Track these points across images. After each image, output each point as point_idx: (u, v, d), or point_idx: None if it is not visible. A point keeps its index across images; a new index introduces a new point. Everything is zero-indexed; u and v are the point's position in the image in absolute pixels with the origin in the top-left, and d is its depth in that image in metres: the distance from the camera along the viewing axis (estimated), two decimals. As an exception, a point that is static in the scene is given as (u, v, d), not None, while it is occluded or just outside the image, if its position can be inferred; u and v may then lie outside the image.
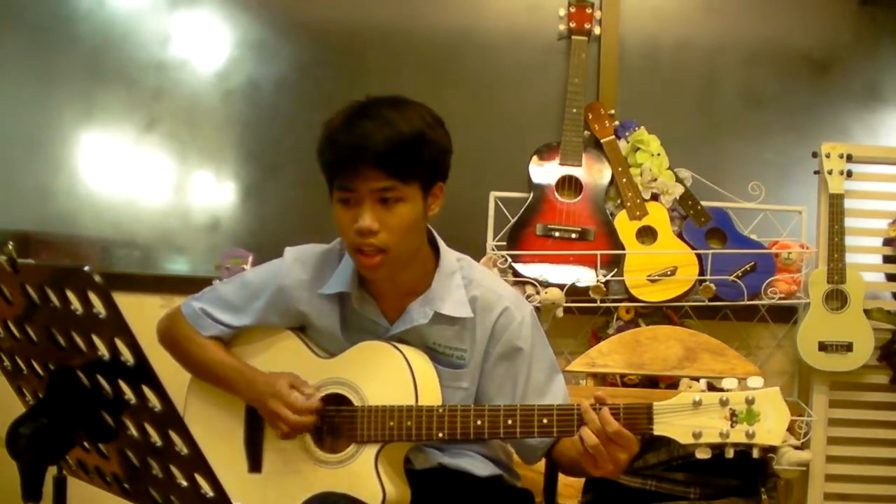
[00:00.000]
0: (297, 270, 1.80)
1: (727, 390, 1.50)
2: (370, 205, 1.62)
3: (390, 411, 1.67)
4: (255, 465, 1.79)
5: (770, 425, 1.48)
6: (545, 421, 1.61)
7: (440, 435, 1.65)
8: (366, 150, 1.59)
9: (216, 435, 1.81)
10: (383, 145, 1.59)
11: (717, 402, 1.49)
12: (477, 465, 1.81)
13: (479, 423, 1.64)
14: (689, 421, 1.50)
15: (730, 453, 1.50)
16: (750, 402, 1.48)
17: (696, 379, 2.51)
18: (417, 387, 1.67)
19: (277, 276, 1.80)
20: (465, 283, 1.76)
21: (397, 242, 1.64)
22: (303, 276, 1.79)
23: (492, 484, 1.81)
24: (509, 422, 1.63)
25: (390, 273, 1.70)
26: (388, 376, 1.69)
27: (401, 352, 1.70)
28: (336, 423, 1.72)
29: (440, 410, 1.66)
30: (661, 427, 1.52)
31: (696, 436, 1.50)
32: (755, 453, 1.50)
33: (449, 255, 1.78)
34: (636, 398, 2.27)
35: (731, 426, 1.48)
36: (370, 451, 1.68)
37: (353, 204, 1.63)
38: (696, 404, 1.50)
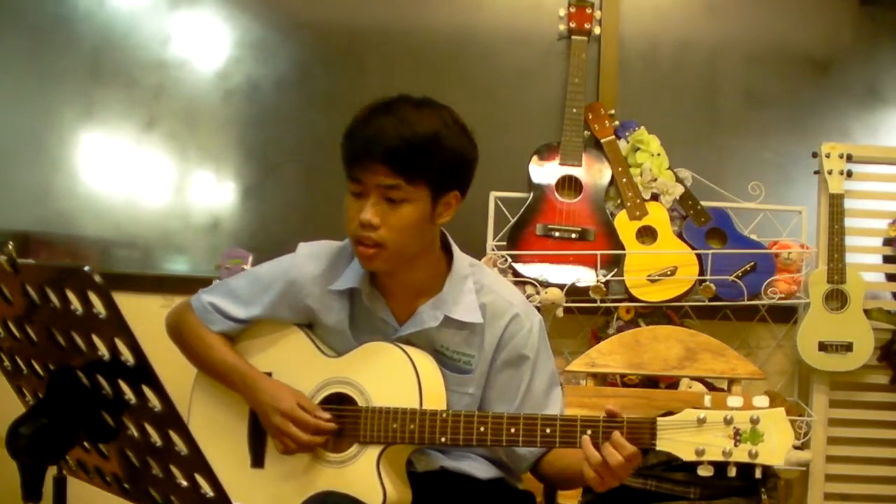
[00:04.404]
0: (309, 265, 1.79)
1: (732, 409, 1.50)
2: (374, 199, 1.63)
3: (394, 413, 1.66)
4: (257, 460, 1.80)
5: (773, 446, 1.47)
6: (548, 431, 1.61)
7: (443, 440, 1.65)
8: (376, 145, 1.60)
9: (220, 429, 1.82)
10: (393, 142, 1.59)
11: (722, 421, 1.49)
12: (478, 467, 1.80)
13: (482, 429, 1.64)
14: (692, 438, 1.50)
15: (732, 472, 1.50)
16: (755, 421, 1.48)
17: (697, 379, 2.51)
18: (422, 390, 1.67)
19: (289, 271, 1.80)
20: (476, 289, 1.75)
21: (395, 241, 1.64)
22: (314, 271, 1.79)
23: (493, 486, 1.81)
24: (512, 430, 1.63)
25: (390, 269, 1.71)
26: (393, 378, 1.69)
27: (407, 354, 1.70)
28: (340, 422, 1.72)
29: (443, 415, 1.65)
30: (664, 443, 1.52)
31: (699, 453, 1.50)
32: (757, 473, 1.49)
33: (462, 259, 1.78)
34: (637, 398, 2.28)
35: (735, 445, 1.48)
36: (373, 452, 1.68)
37: (361, 197, 1.64)
38: (701, 422, 1.50)
